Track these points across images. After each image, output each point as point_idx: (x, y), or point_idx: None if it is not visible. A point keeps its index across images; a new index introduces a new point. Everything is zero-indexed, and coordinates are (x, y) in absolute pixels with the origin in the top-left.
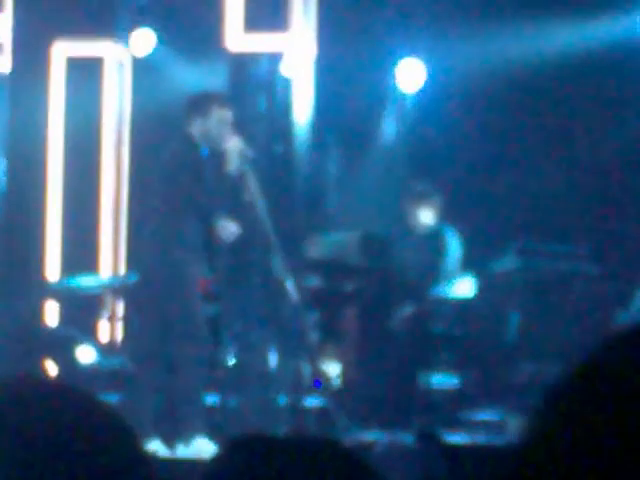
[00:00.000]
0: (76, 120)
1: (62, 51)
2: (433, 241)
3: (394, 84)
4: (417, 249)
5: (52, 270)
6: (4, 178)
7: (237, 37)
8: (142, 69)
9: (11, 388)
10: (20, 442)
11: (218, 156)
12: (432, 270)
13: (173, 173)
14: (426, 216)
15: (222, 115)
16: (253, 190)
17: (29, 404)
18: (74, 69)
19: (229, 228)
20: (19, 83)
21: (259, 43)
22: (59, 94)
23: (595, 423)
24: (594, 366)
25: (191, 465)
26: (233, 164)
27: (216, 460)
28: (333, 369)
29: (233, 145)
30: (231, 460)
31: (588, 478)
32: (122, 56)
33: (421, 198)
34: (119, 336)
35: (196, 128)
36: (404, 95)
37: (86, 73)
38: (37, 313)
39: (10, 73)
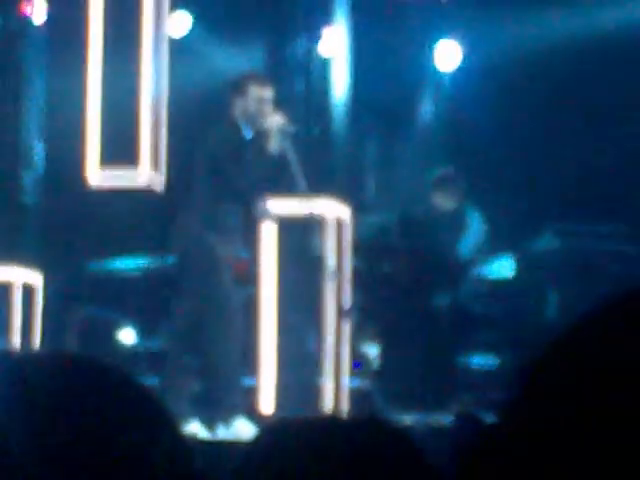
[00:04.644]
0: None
1: None
2: (454, 222)
3: (431, 64)
4: (441, 230)
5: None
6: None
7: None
8: (178, 51)
9: (44, 363)
10: (50, 419)
11: (259, 135)
12: (455, 250)
13: (215, 156)
14: (445, 200)
15: (260, 93)
16: (294, 167)
17: (61, 380)
18: None
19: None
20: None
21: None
22: None
23: (572, 395)
24: (575, 336)
25: (231, 447)
26: (274, 141)
27: (253, 443)
28: (372, 350)
29: (273, 122)
30: (268, 443)
31: (562, 454)
32: None
33: (441, 183)
34: (159, 318)
35: (237, 109)
36: (441, 75)
37: None
38: (77, 295)
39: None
